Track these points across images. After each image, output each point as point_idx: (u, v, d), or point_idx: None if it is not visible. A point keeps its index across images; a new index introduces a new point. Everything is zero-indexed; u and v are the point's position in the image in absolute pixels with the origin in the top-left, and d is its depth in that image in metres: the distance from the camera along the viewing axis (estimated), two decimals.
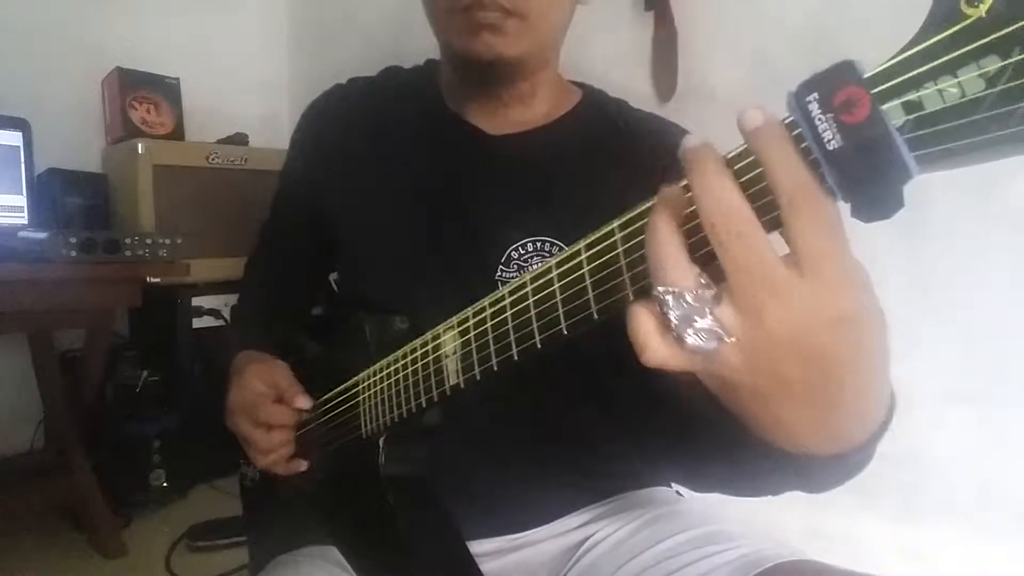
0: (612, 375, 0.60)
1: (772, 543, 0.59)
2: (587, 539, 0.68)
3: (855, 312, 0.30)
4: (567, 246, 0.64)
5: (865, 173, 0.28)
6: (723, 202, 0.30)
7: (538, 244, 0.65)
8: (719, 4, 1.19)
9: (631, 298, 0.35)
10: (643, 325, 0.33)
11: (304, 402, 0.68)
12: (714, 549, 0.59)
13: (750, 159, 0.31)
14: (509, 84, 0.68)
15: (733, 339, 0.30)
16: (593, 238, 0.39)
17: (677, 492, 0.75)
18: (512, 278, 0.64)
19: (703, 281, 0.31)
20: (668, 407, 0.51)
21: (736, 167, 0.32)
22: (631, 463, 0.72)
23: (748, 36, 1.16)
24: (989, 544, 0.96)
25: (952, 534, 0.99)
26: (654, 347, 0.32)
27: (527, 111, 0.70)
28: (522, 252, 0.65)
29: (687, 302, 0.31)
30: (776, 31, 1.12)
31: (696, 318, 0.31)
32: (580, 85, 0.76)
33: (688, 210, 0.32)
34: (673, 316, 0.31)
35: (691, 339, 0.31)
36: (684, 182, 0.33)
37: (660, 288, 0.31)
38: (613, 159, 0.68)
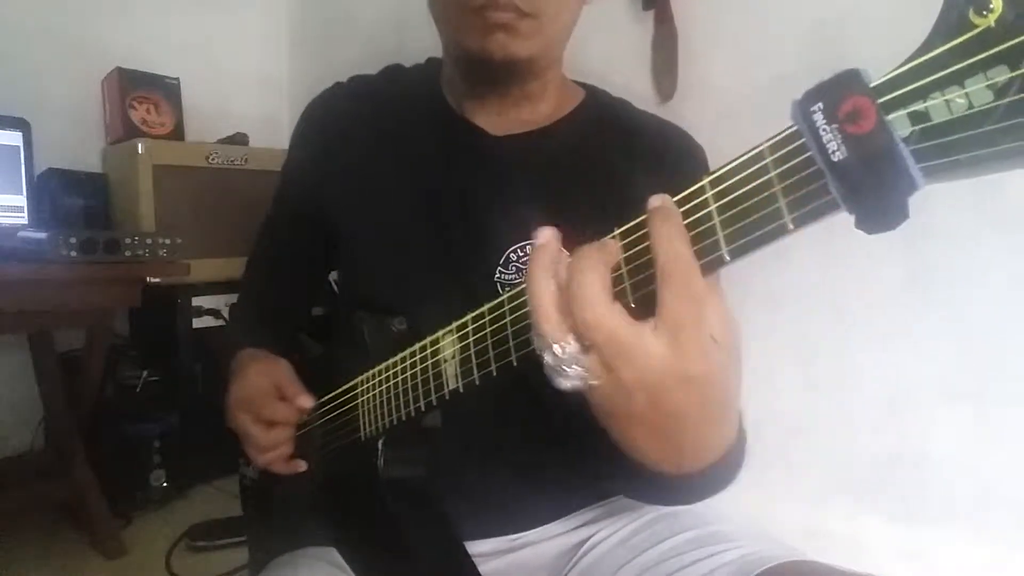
0: None
1: (772, 543, 0.59)
2: (587, 540, 0.68)
3: (702, 375, 0.35)
4: (567, 248, 0.64)
5: (870, 185, 0.27)
6: (581, 287, 0.35)
7: None
8: (719, 4, 1.19)
9: (632, 306, 0.36)
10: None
11: (306, 401, 0.68)
12: (714, 549, 0.59)
13: (638, 234, 0.36)
14: (518, 84, 0.67)
15: (595, 383, 0.36)
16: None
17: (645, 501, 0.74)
18: (511, 279, 0.64)
19: (570, 337, 0.36)
20: None
21: (625, 241, 0.37)
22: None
23: (748, 36, 1.16)
24: (988, 543, 0.96)
25: (951, 533, 0.99)
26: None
27: (530, 111, 0.70)
28: (521, 254, 0.65)
29: (556, 354, 0.36)
30: (777, 31, 1.12)
31: (565, 367, 0.36)
32: (583, 85, 0.76)
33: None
34: (547, 363, 0.37)
35: (562, 382, 0.37)
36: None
37: (535, 340, 0.37)
38: (614, 161, 0.67)
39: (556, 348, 0.36)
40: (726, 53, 1.19)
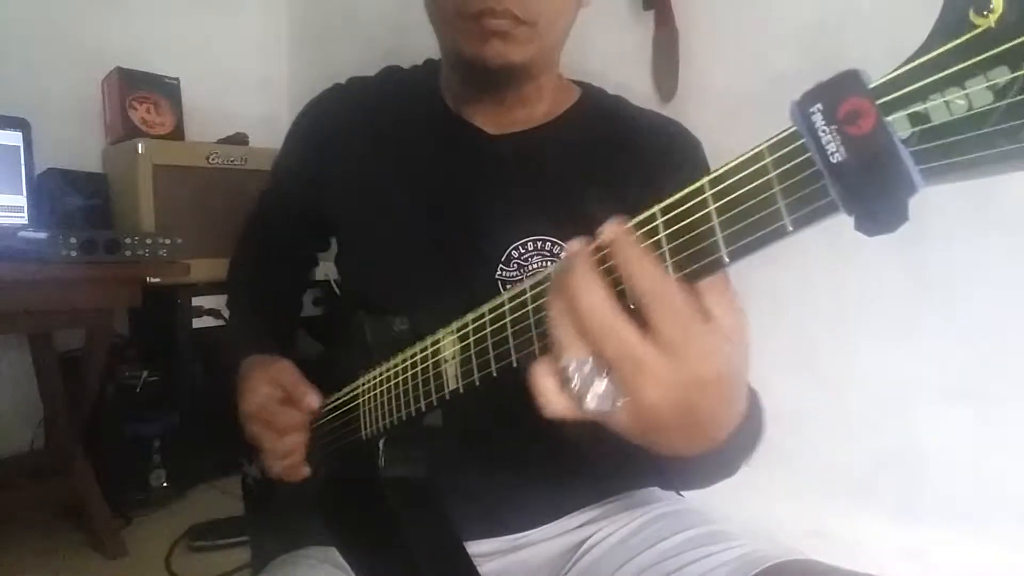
0: None
1: (772, 543, 0.59)
2: (587, 539, 0.68)
3: (715, 374, 0.36)
4: (566, 243, 0.64)
5: (869, 187, 0.27)
6: (584, 303, 0.35)
7: (538, 243, 0.65)
8: (720, 4, 1.19)
9: (631, 306, 0.36)
10: (545, 383, 0.37)
11: (314, 401, 0.67)
12: (714, 549, 0.59)
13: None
14: (515, 88, 0.68)
15: (621, 403, 0.36)
16: (592, 246, 0.38)
17: (677, 492, 0.75)
18: (512, 277, 0.65)
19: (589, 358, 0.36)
20: None
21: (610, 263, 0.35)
22: (629, 463, 0.72)
23: (749, 35, 1.16)
24: (988, 543, 0.96)
25: (951, 533, 0.99)
26: (555, 403, 0.37)
27: (527, 111, 0.70)
28: (522, 251, 0.65)
29: (585, 372, 0.35)
30: (777, 31, 1.12)
31: (594, 385, 0.35)
32: (578, 83, 0.76)
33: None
34: (575, 384, 0.36)
35: (590, 403, 0.36)
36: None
37: (563, 361, 0.36)
38: (612, 156, 0.68)
39: (586, 366, 0.35)
40: (727, 53, 1.19)
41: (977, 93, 0.25)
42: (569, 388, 0.36)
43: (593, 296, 0.35)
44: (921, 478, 1.02)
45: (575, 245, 0.37)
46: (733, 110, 1.15)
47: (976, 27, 0.25)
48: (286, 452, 0.68)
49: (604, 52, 1.25)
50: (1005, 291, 0.93)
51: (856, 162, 0.27)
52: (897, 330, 1.02)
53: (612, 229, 0.35)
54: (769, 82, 1.12)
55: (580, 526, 0.69)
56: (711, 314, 0.35)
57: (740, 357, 0.38)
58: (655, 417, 0.36)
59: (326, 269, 1.38)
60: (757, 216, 0.31)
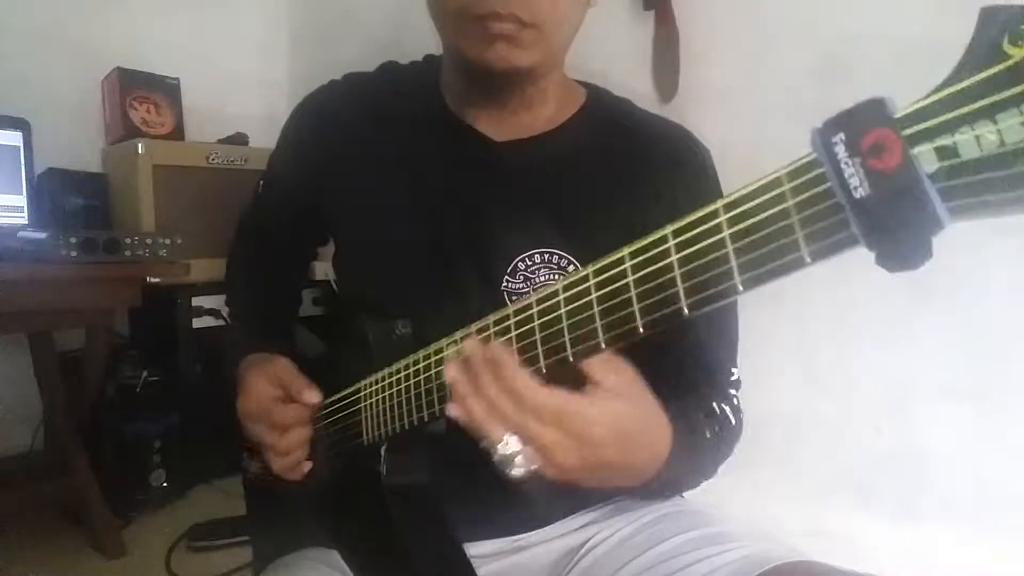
0: None
1: (773, 543, 0.59)
2: (588, 540, 0.68)
3: (608, 434, 0.44)
4: (575, 257, 0.64)
5: (893, 223, 0.26)
6: (511, 384, 0.43)
7: (546, 255, 0.65)
8: (720, 4, 1.19)
9: (640, 329, 0.35)
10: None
11: (312, 396, 0.67)
12: (715, 550, 0.59)
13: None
14: (518, 91, 0.67)
15: (537, 465, 0.44)
16: (602, 264, 0.38)
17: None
18: (518, 288, 0.64)
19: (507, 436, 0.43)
20: None
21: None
22: None
23: (749, 35, 1.16)
24: (988, 543, 0.96)
25: (951, 533, 0.99)
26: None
27: (532, 115, 0.69)
28: (529, 263, 0.65)
29: (507, 448, 0.43)
30: (777, 31, 1.12)
31: (515, 459, 0.43)
32: (584, 85, 0.75)
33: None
34: (497, 457, 0.44)
35: (514, 472, 0.44)
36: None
37: (484, 442, 0.44)
38: (619, 164, 0.67)
39: (502, 446, 0.43)
40: (727, 53, 1.19)
41: (1009, 128, 0.23)
42: (493, 460, 0.43)
43: (511, 373, 0.42)
44: (921, 478, 1.02)
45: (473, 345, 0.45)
46: (733, 110, 1.15)
47: (1009, 57, 0.23)
48: (288, 448, 0.68)
49: (604, 52, 1.24)
50: (1005, 292, 0.93)
51: (880, 198, 0.26)
52: (897, 330, 1.02)
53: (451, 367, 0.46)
54: (769, 82, 1.12)
55: (581, 527, 0.69)
56: (593, 381, 0.42)
57: (634, 406, 0.45)
58: (600, 455, 0.44)
59: (326, 269, 1.38)
60: (774, 245, 0.29)
